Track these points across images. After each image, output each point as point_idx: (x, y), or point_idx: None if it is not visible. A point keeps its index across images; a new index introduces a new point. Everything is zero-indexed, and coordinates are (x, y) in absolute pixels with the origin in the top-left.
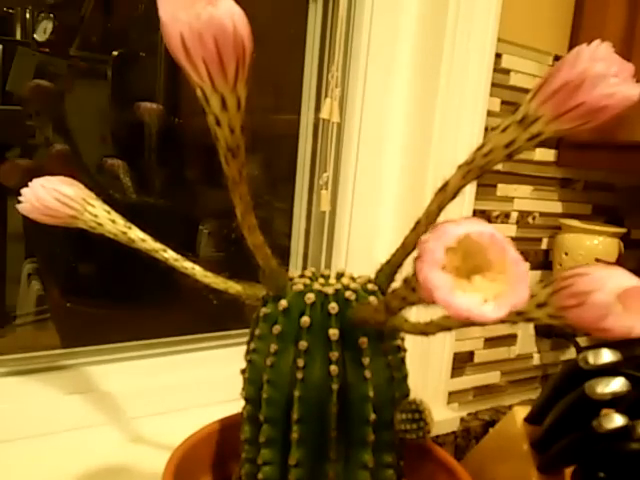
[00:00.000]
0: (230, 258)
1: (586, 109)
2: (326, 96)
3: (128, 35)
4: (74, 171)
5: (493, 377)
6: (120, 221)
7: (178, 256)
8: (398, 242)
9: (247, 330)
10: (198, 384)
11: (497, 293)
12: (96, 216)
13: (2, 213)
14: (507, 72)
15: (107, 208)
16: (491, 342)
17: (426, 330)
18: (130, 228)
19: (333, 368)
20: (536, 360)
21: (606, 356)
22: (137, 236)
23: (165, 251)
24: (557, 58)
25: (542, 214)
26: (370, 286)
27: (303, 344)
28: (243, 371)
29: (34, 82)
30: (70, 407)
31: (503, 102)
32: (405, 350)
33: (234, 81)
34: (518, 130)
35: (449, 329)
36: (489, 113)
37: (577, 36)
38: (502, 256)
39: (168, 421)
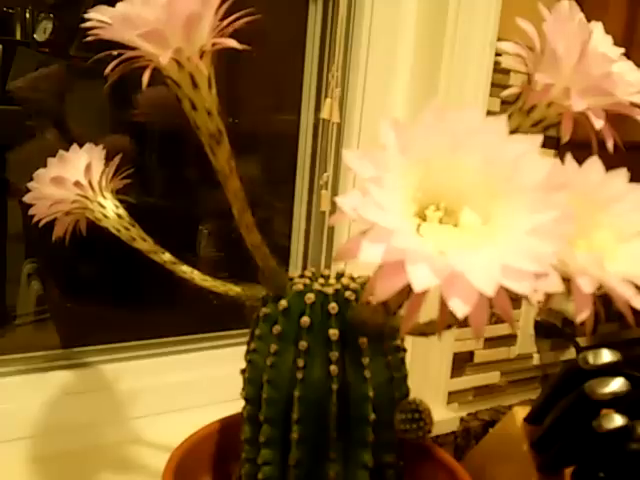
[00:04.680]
0: (230, 258)
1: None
2: (326, 96)
3: None
4: None
5: (493, 377)
6: (126, 217)
7: (176, 260)
8: None
9: (247, 330)
10: (198, 384)
11: None
12: (104, 207)
13: (2, 213)
14: (507, 72)
15: (117, 203)
16: (491, 342)
17: (426, 330)
18: (134, 226)
19: (333, 368)
20: (536, 360)
21: (606, 356)
22: (139, 235)
23: (164, 253)
24: None
25: None
26: None
27: (303, 344)
28: (243, 371)
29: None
30: (70, 407)
31: (503, 102)
32: (405, 350)
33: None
34: (521, 117)
35: (449, 327)
36: (489, 113)
37: None
38: None
39: (168, 421)
